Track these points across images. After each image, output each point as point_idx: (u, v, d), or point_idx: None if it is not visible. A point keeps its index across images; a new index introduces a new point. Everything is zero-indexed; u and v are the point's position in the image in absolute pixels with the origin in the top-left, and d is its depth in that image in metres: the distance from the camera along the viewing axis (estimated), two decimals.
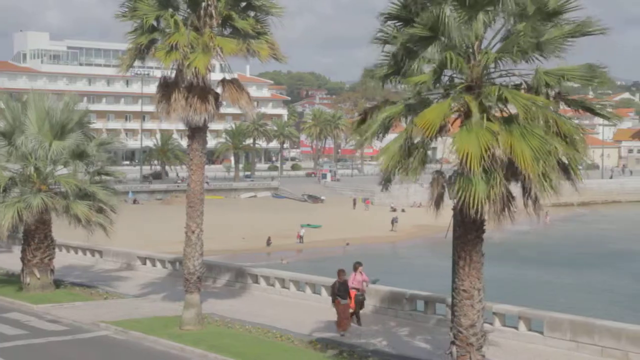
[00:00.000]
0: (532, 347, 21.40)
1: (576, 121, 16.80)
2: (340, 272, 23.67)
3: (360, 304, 24.09)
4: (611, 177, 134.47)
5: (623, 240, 79.24)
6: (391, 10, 16.78)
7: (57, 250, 32.84)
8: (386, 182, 17.23)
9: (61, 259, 36.00)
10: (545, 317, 21.83)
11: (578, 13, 16.17)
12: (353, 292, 23.78)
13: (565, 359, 20.38)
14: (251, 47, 24.25)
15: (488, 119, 15.77)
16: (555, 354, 20.68)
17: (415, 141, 16.38)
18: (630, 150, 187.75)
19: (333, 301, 23.52)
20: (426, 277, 51.07)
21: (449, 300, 18.56)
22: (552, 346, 21.15)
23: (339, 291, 23.32)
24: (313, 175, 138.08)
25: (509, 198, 16.05)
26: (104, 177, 31.22)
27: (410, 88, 16.59)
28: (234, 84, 24.80)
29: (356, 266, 24.22)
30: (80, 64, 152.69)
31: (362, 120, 17.69)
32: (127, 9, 24.13)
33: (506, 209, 16.00)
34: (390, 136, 17.14)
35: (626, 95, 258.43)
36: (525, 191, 16.30)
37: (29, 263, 30.74)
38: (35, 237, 30.73)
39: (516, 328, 22.40)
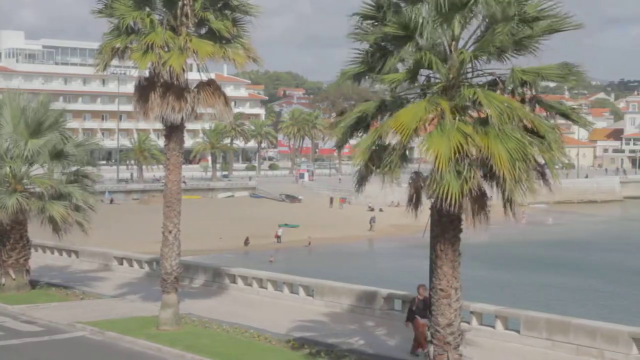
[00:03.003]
0: (508, 345, 21.52)
1: (552, 121, 16.92)
2: (421, 288, 20.62)
3: None
4: (586, 177, 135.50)
5: (597, 240, 79.88)
6: (364, 11, 16.82)
7: (32, 250, 32.62)
8: (361, 182, 17.22)
9: (37, 260, 35.74)
10: (522, 316, 21.97)
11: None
12: None
13: (542, 357, 20.51)
14: (227, 54, 24.13)
15: (463, 120, 15.85)
16: (532, 353, 20.81)
17: (392, 142, 16.37)
18: (606, 150, 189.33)
19: (410, 319, 20.83)
20: (403, 277, 51.21)
21: None
22: (529, 345, 21.28)
23: (418, 309, 20.46)
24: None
25: (484, 197, 16.14)
26: (80, 178, 30.97)
27: (386, 87, 16.63)
28: (211, 87, 24.69)
29: None
30: (56, 63, 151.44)
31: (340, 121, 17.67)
32: (103, 6, 23.99)
33: (482, 208, 16.10)
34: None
35: (601, 95, 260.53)
36: (501, 191, 16.39)
37: (4, 264, 30.50)
38: (10, 237, 30.50)
39: (493, 327, 22.51)
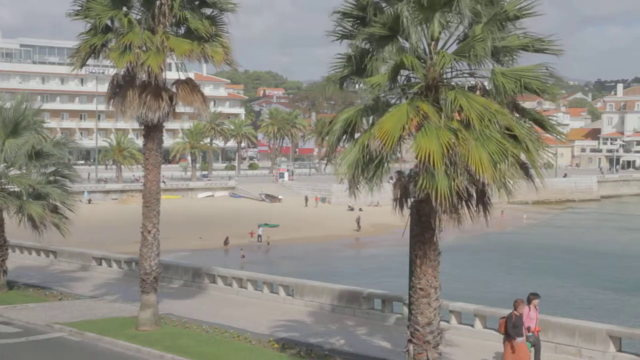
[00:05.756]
0: (488, 344, 21.59)
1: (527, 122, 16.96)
2: (519, 303, 18.83)
3: (534, 346, 19.33)
4: (565, 176, 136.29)
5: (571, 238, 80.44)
6: (345, 10, 16.82)
7: (10, 250, 32.35)
8: (351, 189, 17.14)
9: (15, 260, 35.45)
10: (501, 315, 21.99)
11: (535, 19, 16.34)
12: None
13: None
14: (206, 52, 24.04)
15: (449, 116, 15.82)
16: None
17: (377, 150, 16.22)
18: (583, 150, 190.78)
19: (506, 339, 18.86)
20: (384, 276, 51.31)
21: (406, 298, 18.65)
22: None
23: (515, 327, 18.63)
24: None
25: (467, 195, 16.14)
26: (58, 178, 30.77)
27: (368, 89, 16.55)
28: (189, 85, 24.60)
29: (532, 299, 19.39)
30: (34, 62, 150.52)
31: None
32: (79, 8, 23.79)
33: (464, 207, 16.11)
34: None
35: (579, 95, 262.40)
36: (480, 191, 16.41)
37: None
38: None
39: (472, 326, 22.61)
